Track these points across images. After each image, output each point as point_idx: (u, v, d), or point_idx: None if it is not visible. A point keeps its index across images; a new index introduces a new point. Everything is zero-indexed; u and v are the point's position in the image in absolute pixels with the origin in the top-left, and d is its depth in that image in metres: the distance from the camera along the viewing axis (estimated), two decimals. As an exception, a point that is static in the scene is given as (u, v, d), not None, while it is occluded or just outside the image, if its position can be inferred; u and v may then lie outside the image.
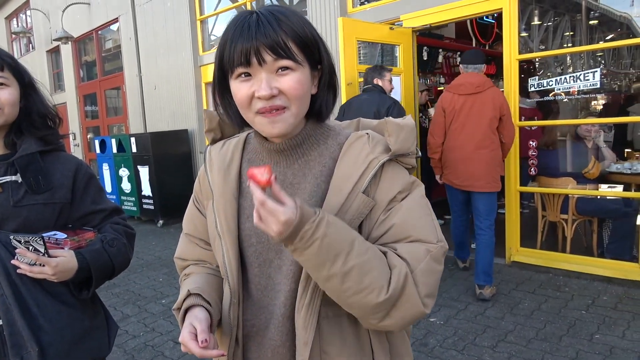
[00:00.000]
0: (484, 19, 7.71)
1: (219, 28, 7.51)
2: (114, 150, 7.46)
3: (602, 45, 7.14)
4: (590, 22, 6.74)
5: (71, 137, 10.79)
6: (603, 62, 8.07)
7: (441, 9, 4.47)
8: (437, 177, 4.05)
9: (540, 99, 5.03)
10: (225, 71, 0.87)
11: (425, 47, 6.92)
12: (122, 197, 7.54)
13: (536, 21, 6.76)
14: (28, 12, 12.18)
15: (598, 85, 3.94)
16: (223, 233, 0.94)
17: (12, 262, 1.21)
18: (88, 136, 10.68)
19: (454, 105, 3.70)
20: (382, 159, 0.88)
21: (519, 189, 4.30)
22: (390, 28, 4.64)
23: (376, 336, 0.93)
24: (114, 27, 9.33)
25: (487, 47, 8.17)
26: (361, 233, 0.89)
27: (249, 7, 6.52)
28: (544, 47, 7.34)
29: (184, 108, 7.62)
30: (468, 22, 7.60)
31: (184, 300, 0.95)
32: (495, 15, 5.69)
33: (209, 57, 7.14)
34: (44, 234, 1.20)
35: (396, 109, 3.71)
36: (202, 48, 7.38)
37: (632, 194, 3.98)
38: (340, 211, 0.86)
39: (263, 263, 0.94)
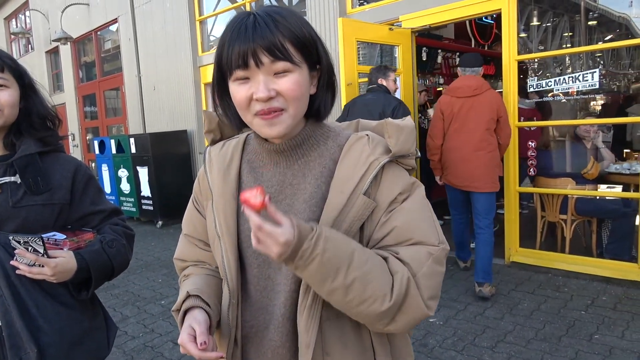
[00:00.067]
0: (483, 19, 7.71)
1: (218, 29, 7.52)
2: (113, 151, 7.45)
3: (601, 45, 7.16)
4: (589, 23, 6.75)
5: (70, 137, 10.78)
6: (602, 62, 8.08)
7: (440, 9, 4.48)
8: (437, 179, 4.10)
9: (539, 100, 5.04)
10: (223, 73, 0.87)
11: (424, 48, 6.92)
12: (121, 198, 7.54)
13: (535, 22, 6.76)
14: (27, 13, 12.19)
15: (597, 86, 3.95)
16: (222, 234, 0.94)
17: (11, 262, 1.21)
18: (87, 137, 10.68)
19: (452, 108, 3.77)
20: (383, 161, 0.88)
21: (518, 189, 4.31)
22: (390, 29, 4.64)
23: (377, 337, 0.93)
24: (113, 27, 9.33)
25: (486, 48, 8.18)
26: (362, 235, 0.89)
27: (248, 8, 6.53)
28: (543, 48, 7.35)
29: (183, 109, 7.62)
30: (467, 22, 7.60)
31: (183, 301, 0.95)
32: (494, 15, 5.69)
33: (208, 57, 7.14)
34: (43, 235, 1.20)
35: (401, 110, 3.75)
36: (201, 49, 7.39)
37: (631, 195, 3.98)
38: (342, 213, 0.86)
39: (262, 263, 0.94)
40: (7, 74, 1.28)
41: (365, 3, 5.52)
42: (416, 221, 0.88)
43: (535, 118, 5.06)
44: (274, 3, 7.31)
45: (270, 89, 0.83)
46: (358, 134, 0.94)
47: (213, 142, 1.06)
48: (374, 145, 0.90)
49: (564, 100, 5.45)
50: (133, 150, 7.06)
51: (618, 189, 4.16)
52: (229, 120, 0.95)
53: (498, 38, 6.46)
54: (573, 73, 4.09)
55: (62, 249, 1.27)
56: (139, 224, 7.24)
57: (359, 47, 4.59)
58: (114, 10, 8.70)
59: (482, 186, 3.70)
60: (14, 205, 1.26)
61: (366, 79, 5.16)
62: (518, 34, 4.19)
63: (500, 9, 4.10)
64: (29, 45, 12.65)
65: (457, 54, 7.50)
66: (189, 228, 1.09)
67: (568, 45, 7.78)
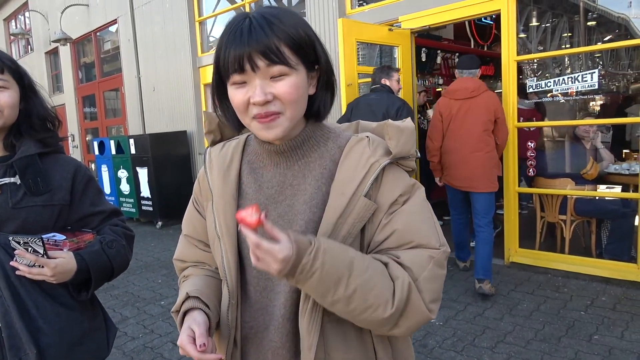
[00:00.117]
0: (483, 20, 7.72)
1: (217, 29, 7.52)
2: (113, 151, 7.45)
3: (600, 46, 7.16)
4: (589, 23, 6.75)
5: (70, 138, 10.78)
6: (601, 63, 8.08)
7: (439, 10, 4.48)
8: (437, 180, 4.14)
9: (538, 100, 5.04)
10: (221, 76, 0.87)
11: (423, 49, 6.93)
12: (121, 199, 7.54)
13: (534, 22, 6.77)
14: (27, 14, 12.19)
15: (596, 86, 3.96)
16: (222, 234, 0.95)
17: (11, 263, 1.21)
18: (87, 138, 10.68)
19: (450, 110, 3.83)
20: (383, 163, 0.88)
21: (518, 189, 4.31)
22: (389, 29, 4.65)
23: (379, 338, 0.94)
24: (112, 28, 9.33)
25: (485, 48, 8.18)
26: (363, 237, 0.89)
27: (247, 9, 6.53)
28: (542, 48, 7.35)
29: (182, 109, 7.62)
30: (466, 23, 7.60)
31: (183, 302, 0.95)
32: (494, 16, 5.70)
33: (208, 58, 7.14)
34: (42, 236, 1.20)
35: (405, 110, 3.78)
36: (200, 49, 7.39)
37: (630, 195, 3.99)
38: (343, 215, 0.86)
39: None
40: (7, 75, 1.28)
41: (364, 4, 5.52)
42: (417, 224, 0.88)
43: (534, 119, 5.06)
44: (273, 3, 7.31)
45: (267, 92, 0.82)
46: (358, 135, 0.94)
47: (213, 143, 1.06)
48: (375, 147, 0.90)
49: (562, 100, 5.46)
50: (133, 151, 7.06)
51: (617, 189, 4.16)
52: (228, 122, 0.96)
53: (497, 38, 6.46)
54: (572, 73, 4.09)
55: (61, 249, 1.27)
56: (138, 225, 7.24)
57: (358, 48, 4.60)
58: (113, 11, 8.70)
59: (481, 186, 3.75)
60: (13, 206, 1.26)
61: (366, 80, 5.16)
62: (517, 34, 4.19)
63: (500, 10, 4.10)
64: (29, 46, 12.65)
65: (457, 54, 7.50)
66: (188, 229, 1.10)
67: (567, 46, 7.78)
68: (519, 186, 4.51)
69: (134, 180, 7.17)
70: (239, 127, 0.94)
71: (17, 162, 1.29)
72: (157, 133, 7.46)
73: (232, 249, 0.94)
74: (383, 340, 0.94)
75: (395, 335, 0.87)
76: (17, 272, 1.22)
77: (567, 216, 4.25)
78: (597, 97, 6.23)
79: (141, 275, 4.74)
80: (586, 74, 3.97)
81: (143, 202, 7.14)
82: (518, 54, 4.18)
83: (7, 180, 1.28)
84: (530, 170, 4.52)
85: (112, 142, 7.48)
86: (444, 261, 0.88)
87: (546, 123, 5.05)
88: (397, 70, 4.13)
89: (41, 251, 1.18)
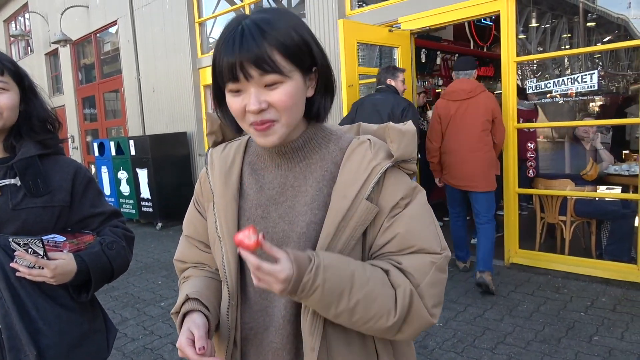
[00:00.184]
0: (482, 21, 7.73)
1: (217, 30, 7.52)
2: (113, 152, 7.45)
3: (599, 47, 7.17)
4: (588, 24, 6.76)
5: (70, 139, 10.78)
6: (601, 63, 8.09)
7: (439, 11, 4.49)
8: (437, 180, 4.20)
9: (538, 101, 5.04)
10: (219, 82, 0.88)
11: (423, 50, 6.94)
12: (121, 200, 7.54)
13: (534, 23, 6.78)
14: (27, 15, 12.20)
15: (596, 87, 3.96)
16: (223, 235, 0.95)
17: (11, 265, 1.21)
18: (87, 139, 10.68)
19: (448, 111, 3.91)
20: (385, 166, 0.88)
21: (518, 190, 4.31)
22: (389, 30, 4.65)
23: (380, 340, 0.94)
24: (112, 29, 9.34)
25: (485, 49, 8.19)
26: (365, 239, 0.90)
27: (247, 10, 6.54)
28: (541, 49, 7.36)
29: (182, 110, 7.63)
30: (466, 24, 7.61)
31: (182, 304, 0.95)
32: (493, 17, 5.70)
33: (208, 59, 7.14)
34: (43, 237, 1.20)
35: (411, 111, 3.83)
36: (200, 50, 7.39)
37: (630, 196, 3.99)
38: (345, 218, 0.86)
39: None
40: (7, 77, 1.28)
41: (364, 5, 5.53)
42: (418, 228, 0.89)
43: (534, 119, 5.07)
44: (273, 4, 7.31)
45: (262, 100, 0.82)
46: (360, 138, 0.94)
47: (215, 144, 1.06)
48: (376, 150, 0.90)
49: (561, 101, 5.46)
50: (132, 152, 7.06)
51: (617, 190, 4.16)
52: (228, 125, 0.96)
53: (497, 39, 6.46)
54: (572, 74, 4.09)
55: (61, 251, 1.27)
56: (138, 226, 7.24)
57: (358, 49, 4.61)
58: (113, 13, 8.71)
59: (480, 186, 3.82)
60: (13, 207, 1.26)
61: (367, 81, 5.17)
62: (517, 35, 4.20)
63: (499, 11, 4.11)
64: (29, 48, 12.66)
65: (456, 55, 7.51)
66: (189, 229, 1.10)
67: (567, 47, 7.79)
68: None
69: (133, 182, 7.17)
70: (239, 130, 0.95)
71: (17, 163, 1.29)
72: (157, 134, 7.47)
73: (233, 250, 0.94)
74: (384, 340, 0.95)
75: (398, 340, 0.89)
76: (17, 274, 1.22)
77: (567, 217, 4.25)
78: (596, 98, 6.23)
79: (141, 276, 4.74)
80: (586, 74, 3.97)
81: (143, 203, 7.14)
82: (518, 55, 4.18)
83: (7, 181, 1.28)
84: (530, 171, 4.52)
85: (112, 143, 7.48)
86: (445, 265, 0.89)
87: (546, 124, 5.05)
88: (403, 70, 4.17)
89: (41, 252, 1.18)
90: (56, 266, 1.20)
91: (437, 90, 7.52)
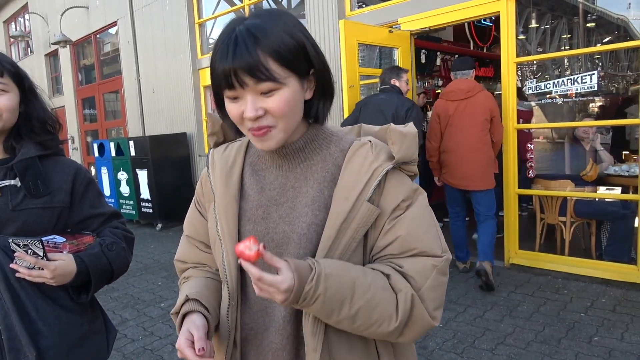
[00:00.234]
0: (482, 22, 7.73)
1: (217, 31, 7.52)
2: (113, 153, 7.45)
3: (599, 48, 7.17)
4: (588, 25, 6.77)
5: (70, 140, 10.78)
6: (600, 64, 8.09)
7: (439, 12, 4.49)
8: (436, 179, 4.26)
9: (538, 102, 5.05)
10: (217, 89, 0.88)
11: (423, 50, 6.94)
12: (121, 201, 7.53)
13: (534, 24, 6.78)
14: (26, 16, 12.20)
15: (595, 88, 3.97)
16: (224, 236, 0.95)
17: (11, 265, 1.21)
18: (87, 140, 10.68)
19: (447, 111, 3.96)
20: (386, 168, 0.88)
21: (518, 191, 4.31)
22: (390, 31, 4.65)
23: (381, 341, 0.94)
24: (112, 30, 9.34)
25: (484, 50, 8.19)
26: (366, 241, 0.90)
27: (246, 10, 6.54)
28: (541, 50, 7.36)
29: (182, 111, 7.63)
30: (466, 25, 7.61)
31: (182, 305, 0.95)
32: (493, 18, 5.70)
33: (208, 60, 7.08)
34: (42, 238, 1.20)
35: (414, 111, 3.85)
36: (200, 51, 7.39)
37: (630, 196, 3.99)
38: (347, 220, 0.86)
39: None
40: (7, 78, 1.28)
41: (364, 5, 5.53)
42: (419, 231, 0.89)
43: (534, 120, 5.07)
44: (273, 5, 7.32)
45: (258, 108, 0.83)
46: (361, 140, 0.94)
47: (216, 145, 1.07)
48: (378, 152, 0.90)
49: (560, 102, 5.46)
50: (132, 153, 7.06)
51: (617, 190, 4.17)
52: (229, 125, 0.97)
53: (497, 40, 6.47)
54: (572, 75, 4.10)
55: (61, 251, 1.27)
56: (138, 227, 7.24)
57: (358, 50, 4.61)
58: (113, 13, 8.71)
59: (478, 184, 3.88)
60: (13, 208, 1.26)
61: (367, 82, 5.18)
62: (517, 36, 4.20)
63: (499, 12, 4.11)
64: (28, 48, 12.66)
65: (456, 56, 7.52)
66: (190, 229, 1.10)
67: (567, 48, 7.79)
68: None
69: (133, 182, 7.17)
70: (239, 132, 0.95)
71: (17, 164, 1.29)
72: (156, 135, 7.47)
73: (233, 251, 0.94)
74: (386, 341, 0.95)
75: (400, 342, 0.90)
76: (17, 275, 1.22)
77: (567, 218, 4.25)
78: (596, 98, 6.24)
79: (141, 277, 4.74)
80: (585, 75, 3.98)
81: (143, 204, 7.14)
82: (517, 55, 4.19)
83: (7, 182, 1.28)
84: (530, 171, 4.52)
85: (111, 144, 7.48)
86: (446, 268, 0.89)
87: (546, 125, 5.06)
88: (407, 71, 4.22)
89: (41, 253, 1.17)
90: (56, 267, 1.20)
91: (436, 91, 7.52)
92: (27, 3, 11.60)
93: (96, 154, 7.87)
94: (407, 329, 0.85)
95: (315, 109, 0.92)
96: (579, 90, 4.08)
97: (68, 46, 9.47)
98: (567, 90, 4.20)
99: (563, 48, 7.78)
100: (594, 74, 3.94)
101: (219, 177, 0.99)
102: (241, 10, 6.79)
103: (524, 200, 5.36)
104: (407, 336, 0.86)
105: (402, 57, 4.75)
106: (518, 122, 4.29)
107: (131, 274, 4.79)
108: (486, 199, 3.90)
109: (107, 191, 7.76)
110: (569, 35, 7.57)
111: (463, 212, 4.19)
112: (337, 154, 0.94)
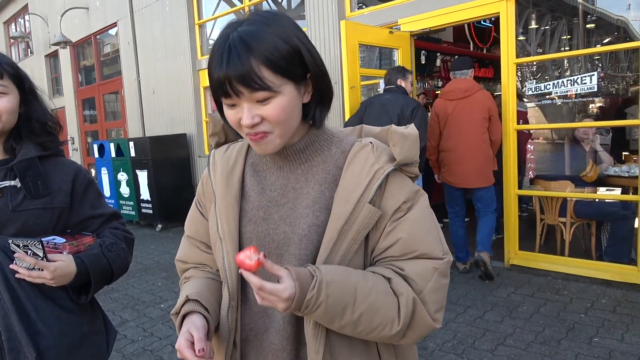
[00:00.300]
0: (482, 22, 7.74)
1: (217, 32, 7.51)
2: (113, 154, 7.45)
3: (599, 48, 7.18)
4: (587, 26, 6.77)
5: (70, 141, 10.78)
6: (600, 65, 8.10)
7: (439, 13, 4.50)
8: (436, 177, 4.34)
9: (538, 102, 5.05)
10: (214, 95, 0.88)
11: (423, 51, 6.95)
12: (121, 202, 7.53)
13: (533, 25, 6.79)
14: (26, 17, 12.20)
15: (595, 89, 3.97)
16: (224, 236, 0.95)
17: (11, 266, 1.21)
18: (87, 140, 10.68)
19: (445, 110, 4.02)
20: (387, 169, 0.88)
21: (518, 192, 4.31)
22: (390, 32, 4.66)
23: (383, 342, 0.94)
24: (112, 31, 9.34)
25: (484, 51, 8.20)
26: (367, 243, 0.90)
27: (246, 11, 6.54)
28: (541, 51, 7.36)
29: (182, 112, 7.63)
30: (466, 26, 7.62)
31: (182, 305, 0.95)
32: (493, 19, 5.70)
33: (207, 61, 7.13)
34: (42, 238, 1.20)
35: (419, 112, 3.87)
36: (200, 52, 7.40)
37: (630, 197, 3.99)
38: (348, 221, 0.86)
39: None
40: (7, 80, 1.28)
41: (364, 6, 5.53)
42: (421, 233, 0.89)
43: (533, 121, 5.08)
44: (273, 6, 7.32)
45: (254, 115, 0.83)
46: (362, 141, 0.94)
47: (217, 145, 1.07)
48: (379, 154, 0.90)
49: (560, 103, 5.47)
50: (132, 153, 7.06)
51: (617, 191, 4.17)
52: (230, 127, 0.97)
53: (497, 41, 6.47)
54: (571, 76, 4.10)
55: (61, 252, 1.27)
56: (138, 228, 7.23)
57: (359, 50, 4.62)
58: (113, 14, 8.71)
59: (478, 182, 3.93)
60: (13, 209, 1.26)
61: (368, 82, 5.18)
62: (516, 37, 4.20)
63: (499, 12, 4.11)
64: (29, 49, 12.67)
65: (456, 57, 7.52)
66: (191, 230, 1.10)
67: (566, 48, 7.80)
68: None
69: (133, 183, 7.17)
70: (239, 134, 0.95)
71: (17, 165, 1.29)
72: (156, 136, 7.47)
73: (234, 251, 0.94)
74: (387, 343, 0.95)
75: (402, 344, 0.91)
76: (17, 275, 1.22)
77: (567, 218, 4.25)
78: (596, 99, 6.24)
79: (141, 278, 4.74)
80: (585, 76, 3.98)
81: (143, 204, 7.14)
82: (517, 56, 4.19)
83: (7, 183, 1.28)
84: (530, 172, 4.52)
85: (111, 145, 7.48)
86: (447, 270, 0.90)
87: (546, 125, 5.06)
88: (412, 72, 4.27)
89: (41, 254, 1.17)
90: (56, 268, 1.20)
91: (436, 92, 7.53)
92: (27, 4, 11.60)
93: (96, 154, 7.88)
94: (409, 331, 0.85)
95: (313, 112, 0.92)
96: (578, 91, 4.09)
97: (68, 47, 9.48)
98: (567, 91, 4.21)
99: (563, 49, 7.79)
100: (593, 74, 3.94)
101: (220, 177, 0.99)
102: (241, 11, 6.80)
103: (524, 201, 5.36)
104: (409, 338, 0.87)
105: (402, 57, 4.75)
106: (518, 123, 4.29)
107: (131, 274, 4.79)
108: (486, 195, 3.97)
109: (107, 192, 7.76)
110: (568, 36, 7.57)
111: (462, 211, 4.21)
112: (338, 155, 0.94)
